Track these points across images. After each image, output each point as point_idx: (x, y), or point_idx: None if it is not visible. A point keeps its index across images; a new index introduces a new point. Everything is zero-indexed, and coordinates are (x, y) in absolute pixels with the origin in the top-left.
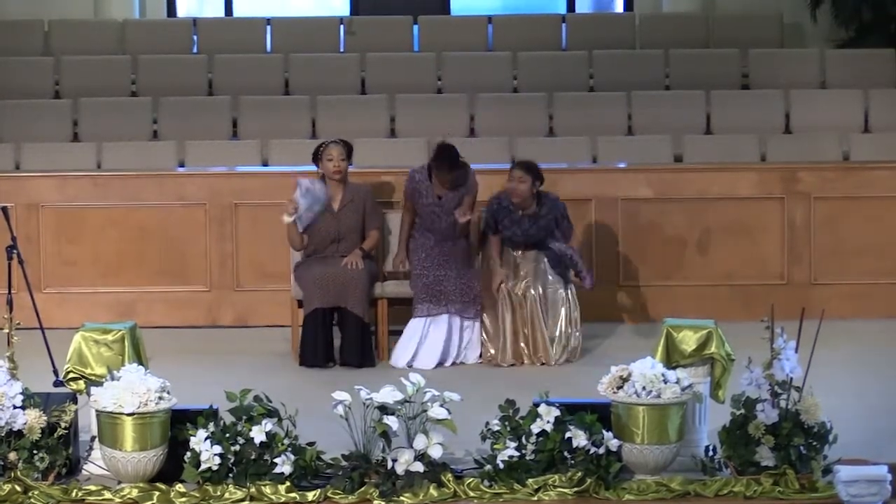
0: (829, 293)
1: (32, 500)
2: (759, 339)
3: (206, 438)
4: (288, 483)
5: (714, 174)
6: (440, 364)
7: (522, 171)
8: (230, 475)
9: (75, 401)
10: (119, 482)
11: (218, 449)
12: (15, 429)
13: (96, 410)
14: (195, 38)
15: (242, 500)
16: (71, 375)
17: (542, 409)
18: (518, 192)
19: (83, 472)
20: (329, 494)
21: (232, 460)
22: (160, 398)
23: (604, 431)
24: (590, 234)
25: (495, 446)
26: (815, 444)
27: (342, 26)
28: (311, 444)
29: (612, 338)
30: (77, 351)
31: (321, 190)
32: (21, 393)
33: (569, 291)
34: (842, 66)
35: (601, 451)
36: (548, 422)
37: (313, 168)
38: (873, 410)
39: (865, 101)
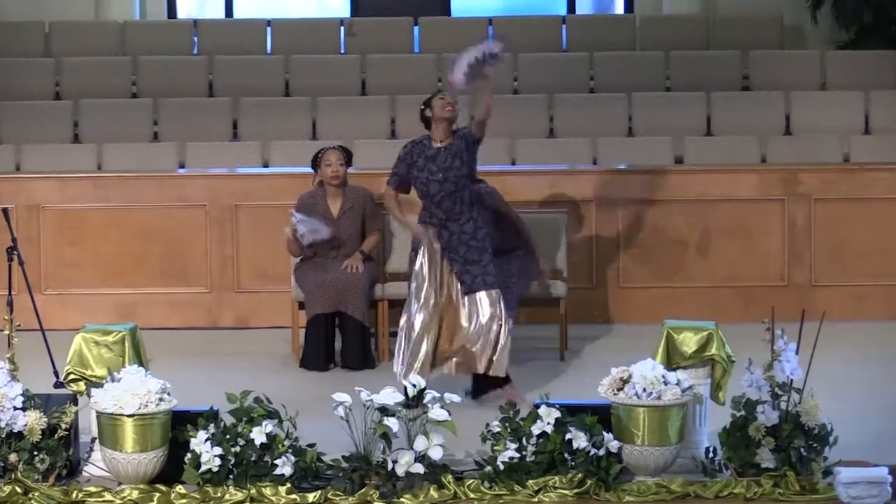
0: (829, 295)
1: (33, 502)
2: (759, 340)
3: (206, 440)
4: (288, 484)
5: (714, 176)
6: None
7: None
8: (230, 477)
9: (76, 402)
10: (119, 483)
11: (218, 450)
12: (15, 430)
13: (97, 412)
14: (195, 39)
15: (243, 501)
16: (71, 377)
17: (542, 410)
18: (455, 108)
19: (83, 473)
20: (329, 496)
21: (232, 462)
22: (160, 399)
23: (604, 433)
24: (590, 236)
25: (496, 448)
26: (815, 445)
27: (342, 27)
28: (312, 445)
29: (612, 339)
30: (77, 352)
31: (318, 223)
32: (21, 394)
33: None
34: (842, 68)
35: (601, 452)
36: (548, 423)
37: (312, 171)
38: (874, 412)
39: (866, 102)
